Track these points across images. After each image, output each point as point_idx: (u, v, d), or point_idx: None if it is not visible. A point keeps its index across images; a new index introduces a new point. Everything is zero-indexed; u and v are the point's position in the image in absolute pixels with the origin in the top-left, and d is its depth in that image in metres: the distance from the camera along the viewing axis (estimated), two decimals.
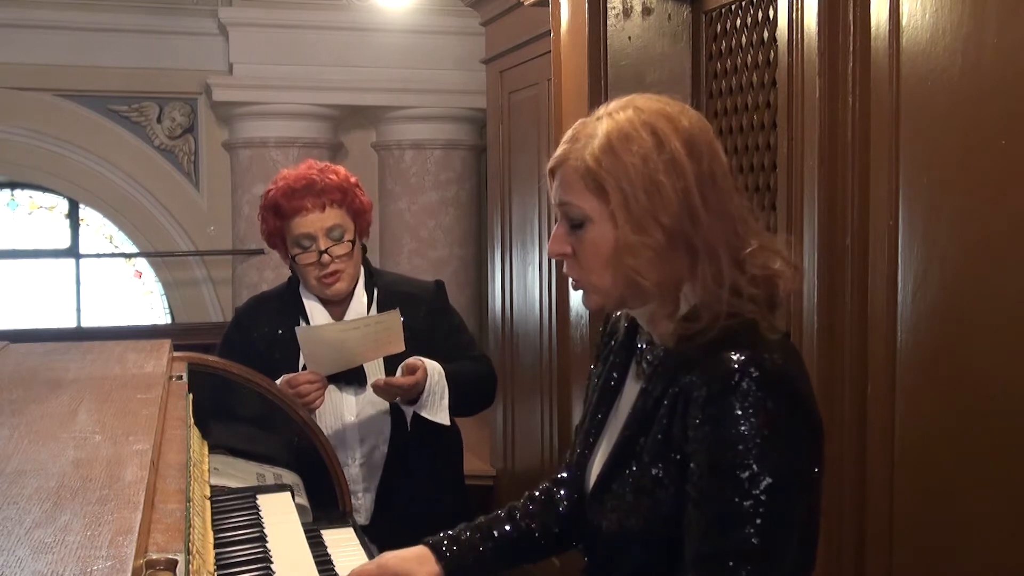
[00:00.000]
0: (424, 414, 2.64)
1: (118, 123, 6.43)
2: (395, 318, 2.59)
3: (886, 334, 2.10)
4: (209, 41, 6.36)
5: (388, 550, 2.04)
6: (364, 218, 2.77)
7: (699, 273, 1.46)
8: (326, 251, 2.67)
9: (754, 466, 1.36)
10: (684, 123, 1.48)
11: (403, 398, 2.62)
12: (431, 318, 2.78)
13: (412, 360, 2.58)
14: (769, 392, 1.38)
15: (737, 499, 1.36)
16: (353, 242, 2.71)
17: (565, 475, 1.78)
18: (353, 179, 2.77)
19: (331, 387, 2.68)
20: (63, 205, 6.74)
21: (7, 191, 6.69)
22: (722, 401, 1.38)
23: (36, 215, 6.76)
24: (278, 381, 2.59)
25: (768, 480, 1.36)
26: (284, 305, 2.79)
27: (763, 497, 1.36)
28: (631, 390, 1.61)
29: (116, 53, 6.25)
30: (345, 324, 2.65)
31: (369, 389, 2.68)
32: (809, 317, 2.29)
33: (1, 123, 6.21)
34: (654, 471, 1.48)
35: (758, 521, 1.36)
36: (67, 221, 6.77)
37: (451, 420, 2.80)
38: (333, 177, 2.71)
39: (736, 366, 1.38)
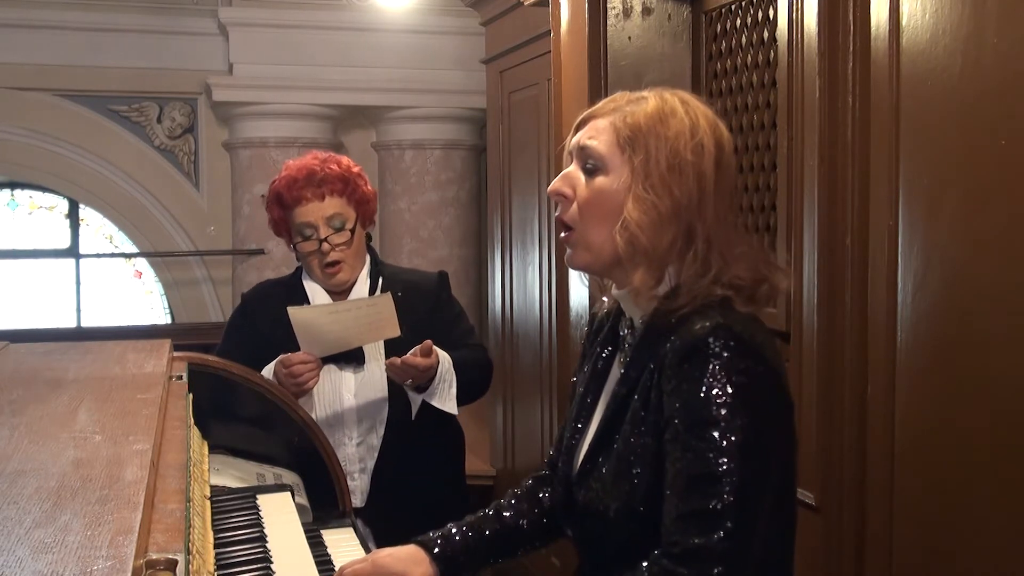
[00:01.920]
0: (434, 402, 2.67)
1: (118, 123, 6.43)
2: (387, 301, 2.62)
3: (886, 334, 2.10)
4: (209, 41, 6.36)
5: (382, 533, 2.06)
6: (367, 207, 2.81)
7: (689, 256, 1.53)
8: (326, 239, 2.72)
9: (726, 425, 1.42)
10: (719, 128, 1.59)
11: (415, 380, 2.63)
12: (433, 307, 2.82)
13: (428, 344, 2.59)
14: (737, 353, 1.45)
15: (711, 458, 1.42)
16: (353, 231, 2.75)
17: (547, 470, 1.83)
18: (356, 168, 2.81)
19: (331, 366, 2.72)
20: (63, 205, 6.74)
21: (7, 191, 6.69)
22: (692, 363, 1.45)
23: (36, 215, 6.76)
24: (273, 361, 2.62)
25: (740, 438, 1.42)
26: (288, 290, 2.84)
27: (736, 454, 1.41)
28: (615, 375, 1.65)
29: (116, 53, 6.25)
30: (336, 305, 2.69)
31: (367, 370, 2.72)
32: (809, 317, 2.29)
33: (1, 123, 6.21)
34: (635, 443, 1.53)
35: (733, 479, 1.41)
36: (67, 221, 6.77)
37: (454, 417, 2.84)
38: (334, 167, 2.75)
39: (705, 332, 1.46)
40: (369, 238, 2.87)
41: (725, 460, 1.41)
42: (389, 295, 2.63)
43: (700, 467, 1.42)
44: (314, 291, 2.80)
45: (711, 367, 1.44)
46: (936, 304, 1.98)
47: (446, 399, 2.68)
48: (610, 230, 1.54)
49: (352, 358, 2.73)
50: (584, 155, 1.59)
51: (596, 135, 1.58)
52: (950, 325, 1.96)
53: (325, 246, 2.72)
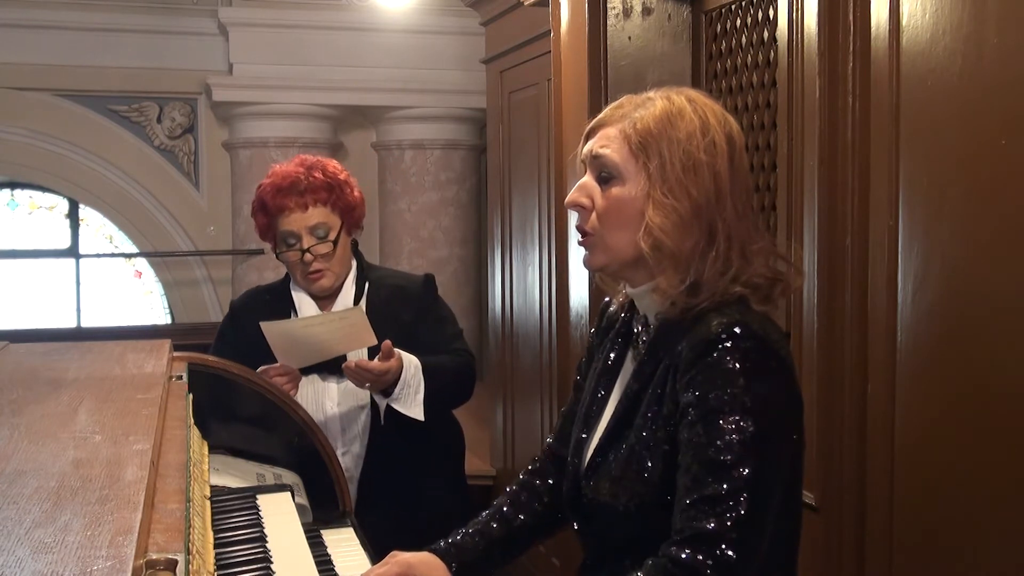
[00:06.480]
0: (397, 407, 2.61)
1: (118, 123, 6.43)
2: (358, 314, 2.60)
3: (886, 334, 2.10)
4: (209, 41, 6.37)
5: (372, 541, 2.04)
6: (352, 215, 2.77)
7: (711, 255, 1.54)
8: (308, 250, 2.69)
9: (741, 417, 1.44)
10: (728, 123, 1.62)
11: (375, 385, 2.58)
12: (418, 310, 2.78)
13: (387, 344, 2.53)
14: (754, 351, 1.47)
15: (725, 447, 1.44)
16: (336, 240, 2.72)
17: (544, 458, 1.85)
18: (342, 175, 2.77)
19: (314, 376, 2.70)
20: (63, 205, 6.75)
21: (7, 191, 6.69)
22: (709, 359, 1.47)
23: (36, 215, 6.76)
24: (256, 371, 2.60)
25: (754, 430, 1.44)
26: (276, 298, 2.82)
27: (750, 445, 1.44)
28: (628, 370, 1.67)
29: (116, 53, 6.26)
30: (308, 320, 2.67)
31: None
32: (809, 317, 2.29)
33: (1, 123, 6.21)
34: (648, 436, 1.55)
35: (745, 468, 1.43)
36: (67, 221, 6.77)
37: (451, 416, 2.81)
38: (319, 175, 2.71)
39: (723, 328, 1.48)
40: (355, 244, 2.83)
41: (739, 450, 1.43)
42: (362, 307, 2.61)
43: (713, 455, 1.44)
44: (301, 298, 2.77)
45: (728, 363, 1.46)
46: (936, 304, 1.98)
47: (411, 404, 2.61)
48: (630, 235, 1.55)
49: (335, 368, 2.68)
50: (598, 164, 1.59)
51: (608, 144, 1.58)
52: (950, 325, 1.96)
53: (307, 256, 2.69)
